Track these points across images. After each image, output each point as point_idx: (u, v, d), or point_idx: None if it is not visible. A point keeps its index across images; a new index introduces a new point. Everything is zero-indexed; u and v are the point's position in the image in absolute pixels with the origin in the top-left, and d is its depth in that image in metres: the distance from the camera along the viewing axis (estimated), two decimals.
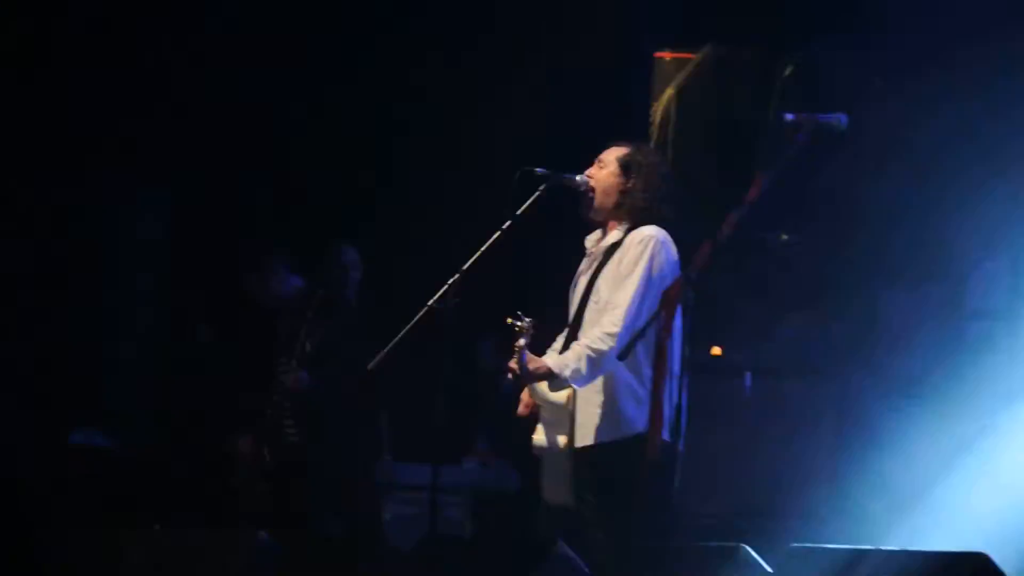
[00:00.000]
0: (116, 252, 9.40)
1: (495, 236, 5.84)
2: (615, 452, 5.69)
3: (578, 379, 5.67)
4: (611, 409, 5.73)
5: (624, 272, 5.73)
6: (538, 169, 5.88)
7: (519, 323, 5.68)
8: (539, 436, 5.91)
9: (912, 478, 7.66)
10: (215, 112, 8.74)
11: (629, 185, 5.89)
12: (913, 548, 5.48)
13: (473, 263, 5.83)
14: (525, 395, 6.02)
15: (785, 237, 8.46)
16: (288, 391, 7.52)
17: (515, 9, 7.75)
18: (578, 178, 5.92)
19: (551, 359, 5.75)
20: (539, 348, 5.85)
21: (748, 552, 5.67)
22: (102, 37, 8.54)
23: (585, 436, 5.75)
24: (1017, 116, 7.38)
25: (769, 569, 5.49)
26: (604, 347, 5.63)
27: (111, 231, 9.34)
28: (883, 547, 5.25)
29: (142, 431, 8.95)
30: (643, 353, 5.63)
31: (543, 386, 5.81)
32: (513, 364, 5.70)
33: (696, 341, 5.54)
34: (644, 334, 5.35)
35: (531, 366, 5.68)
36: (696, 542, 5.91)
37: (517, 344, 5.67)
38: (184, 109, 8.71)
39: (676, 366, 5.34)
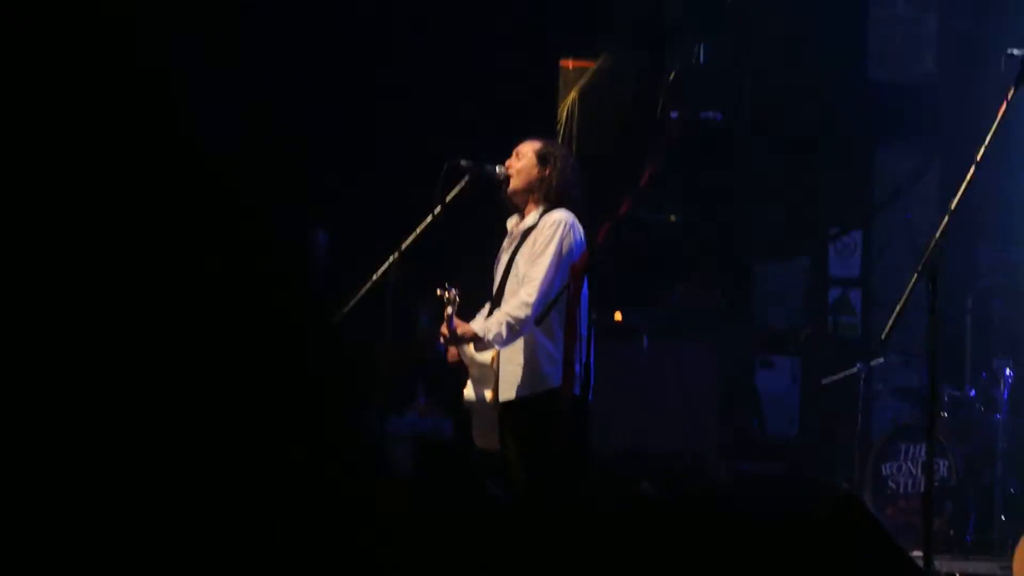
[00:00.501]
0: None
1: (427, 220, 6.45)
2: (533, 404, 6.26)
3: (499, 341, 6.26)
4: (529, 368, 6.30)
5: (539, 250, 6.30)
6: (463, 161, 6.50)
7: (447, 293, 6.23)
8: (468, 391, 6.50)
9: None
10: None
11: (544, 174, 6.48)
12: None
13: (410, 243, 6.44)
14: (452, 348, 6.55)
15: (673, 218, 9.11)
16: None
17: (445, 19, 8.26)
18: (498, 169, 6.51)
19: (476, 324, 6.33)
20: (469, 316, 6.44)
21: (649, 487, 6.32)
22: None
23: (507, 391, 6.32)
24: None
25: (667, 502, 6.13)
26: (522, 314, 6.21)
27: None
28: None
29: None
30: (556, 319, 6.20)
31: (470, 348, 6.38)
32: (444, 329, 6.29)
33: (600, 308, 6.12)
34: (556, 303, 6.01)
35: (459, 330, 6.28)
36: (603, 480, 6.51)
37: (446, 312, 6.23)
38: None
39: (584, 329, 5.91)
